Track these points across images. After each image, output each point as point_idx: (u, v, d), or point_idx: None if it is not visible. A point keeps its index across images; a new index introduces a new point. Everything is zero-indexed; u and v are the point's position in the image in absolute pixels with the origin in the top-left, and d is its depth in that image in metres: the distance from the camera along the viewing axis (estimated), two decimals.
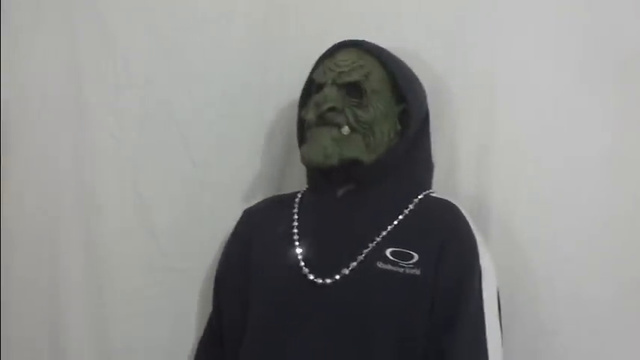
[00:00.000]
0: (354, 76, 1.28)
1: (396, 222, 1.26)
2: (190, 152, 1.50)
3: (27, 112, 1.46)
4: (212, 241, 1.46)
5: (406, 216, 1.28)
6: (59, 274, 1.48)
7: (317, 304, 1.23)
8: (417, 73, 1.40)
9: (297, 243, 1.27)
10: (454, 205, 1.30)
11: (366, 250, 1.23)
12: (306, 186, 1.36)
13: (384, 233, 1.25)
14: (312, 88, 1.33)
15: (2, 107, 1.44)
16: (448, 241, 1.24)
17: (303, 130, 1.32)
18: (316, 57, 1.33)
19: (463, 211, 1.29)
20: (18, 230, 1.46)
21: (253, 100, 1.50)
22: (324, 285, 1.22)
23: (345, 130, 1.25)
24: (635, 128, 1.37)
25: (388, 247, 1.23)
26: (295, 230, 1.29)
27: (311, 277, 1.23)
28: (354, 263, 1.23)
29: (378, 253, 1.23)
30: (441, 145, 1.44)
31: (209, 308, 1.39)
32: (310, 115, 1.26)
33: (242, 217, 1.40)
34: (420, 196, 1.31)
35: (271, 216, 1.36)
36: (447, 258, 1.22)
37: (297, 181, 1.43)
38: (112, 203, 1.50)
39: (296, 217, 1.32)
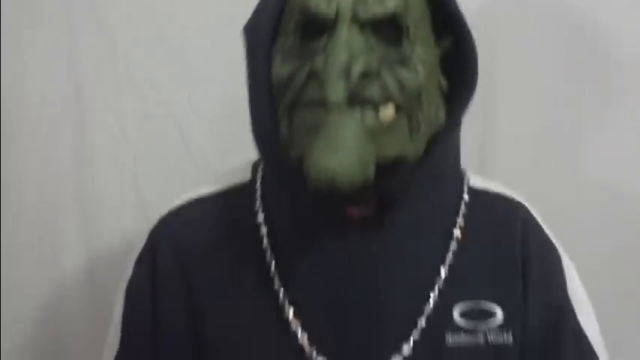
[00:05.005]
0: (389, 4, 0.74)
1: (452, 251, 0.79)
2: (190, 152, 1.51)
3: (27, 112, 1.46)
4: None
5: (462, 234, 0.81)
6: (59, 274, 1.48)
7: None
8: None
9: (291, 316, 0.79)
10: (518, 203, 0.89)
11: (422, 318, 0.77)
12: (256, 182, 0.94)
13: (442, 277, 0.78)
14: (290, 20, 0.80)
15: (2, 107, 1.44)
16: (528, 266, 0.85)
17: (271, 100, 0.82)
18: None
19: (531, 211, 0.89)
20: (18, 230, 1.46)
21: None
22: None
23: (388, 112, 0.72)
24: (635, 128, 1.37)
25: (454, 304, 0.79)
26: (281, 288, 0.80)
27: None
28: (409, 345, 0.76)
29: (442, 319, 0.78)
30: None
31: None
32: (336, 95, 0.70)
33: (162, 238, 0.92)
34: (465, 194, 0.86)
35: (218, 244, 0.86)
36: (531, 296, 0.83)
37: None
38: (112, 203, 1.50)
39: (270, 255, 0.82)
